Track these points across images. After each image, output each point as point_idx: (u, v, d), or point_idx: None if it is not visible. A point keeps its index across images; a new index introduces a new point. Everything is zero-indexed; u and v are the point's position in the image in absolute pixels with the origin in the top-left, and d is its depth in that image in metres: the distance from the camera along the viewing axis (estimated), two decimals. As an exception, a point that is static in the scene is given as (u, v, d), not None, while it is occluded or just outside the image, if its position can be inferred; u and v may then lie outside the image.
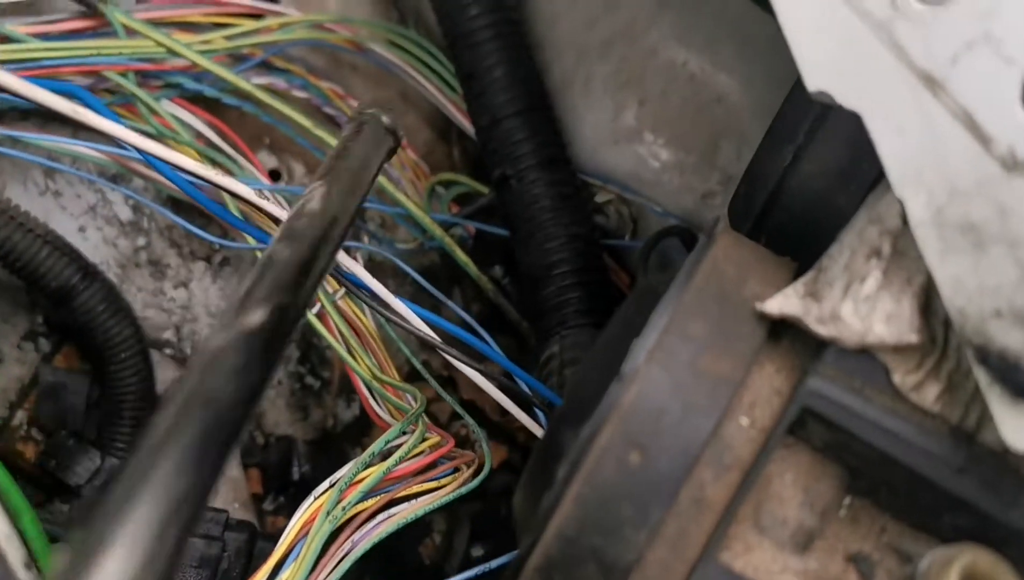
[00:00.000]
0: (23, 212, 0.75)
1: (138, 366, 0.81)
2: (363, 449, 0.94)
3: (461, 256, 0.81)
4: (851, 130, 0.43)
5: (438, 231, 0.79)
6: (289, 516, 0.88)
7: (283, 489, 0.89)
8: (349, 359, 0.71)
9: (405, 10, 0.90)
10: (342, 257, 0.54)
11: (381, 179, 0.81)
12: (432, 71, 0.88)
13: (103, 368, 0.80)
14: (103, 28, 0.77)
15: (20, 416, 0.83)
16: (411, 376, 0.82)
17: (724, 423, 0.35)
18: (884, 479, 0.34)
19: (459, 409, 0.64)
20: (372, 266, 0.85)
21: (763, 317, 0.36)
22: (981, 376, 0.31)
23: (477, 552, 0.90)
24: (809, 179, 0.46)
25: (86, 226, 0.83)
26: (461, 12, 0.79)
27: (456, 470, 0.59)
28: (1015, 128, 0.29)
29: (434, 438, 0.59)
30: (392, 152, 0.49)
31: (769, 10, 0.71)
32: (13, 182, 0.80)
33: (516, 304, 0.88)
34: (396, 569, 0.85)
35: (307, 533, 0.50)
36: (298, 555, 0.49)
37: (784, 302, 0.36)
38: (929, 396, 0.33)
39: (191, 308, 0.87)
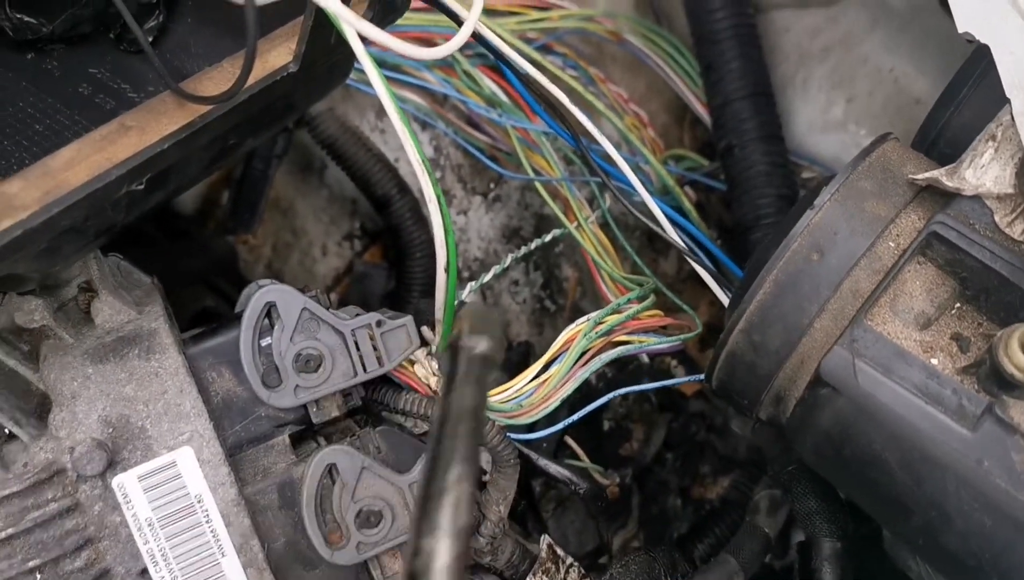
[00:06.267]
0: (368, 137, 1.01)
1: (426, 265, 1.05)
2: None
3: (687, 204, 1.01)
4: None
5: (671, 182, 0.99)
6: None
7: (519, 383, 1.11)
8: (595, 256, 0.92)
9: (660, 12, 1.11)
10: (623, 166, 0.75)
11: (628, 132, 1.03)
12: (677, 63, 1.09)
13: (401, 263, 1.05)
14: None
15: (333, 297, 1.09)
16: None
17: (877, 243, 0.54)
18: (984, 286, 0.51)
19: (670, 293, 0.84)
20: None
21: (913, 184, 0.55)
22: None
23: (669, 456, 1.09)
24: (966, 120, 0.63)
25: (399, 158, 1.09)
26: (709, 15, 0.99)
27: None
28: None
29: (657, 311, 0.79)
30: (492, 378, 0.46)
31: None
32: (353, 117, 1.07)
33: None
34: (602, 458, 1.04)
35: (567, 348, 0.72)
36: (562, 359, 0.70)
37: (929, 175, 0.54)
38: (1018, 230, 0.51)
39: (467, 231, 1.11)
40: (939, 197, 0.54)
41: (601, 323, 0.74)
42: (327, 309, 0.62)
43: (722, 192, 1.04)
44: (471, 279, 1.11)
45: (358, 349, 0.61)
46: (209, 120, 0.51)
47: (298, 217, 1.10)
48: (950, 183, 0.52)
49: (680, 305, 0.85)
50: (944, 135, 0.65)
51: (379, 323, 0.62)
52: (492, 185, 1.11)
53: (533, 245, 0.90)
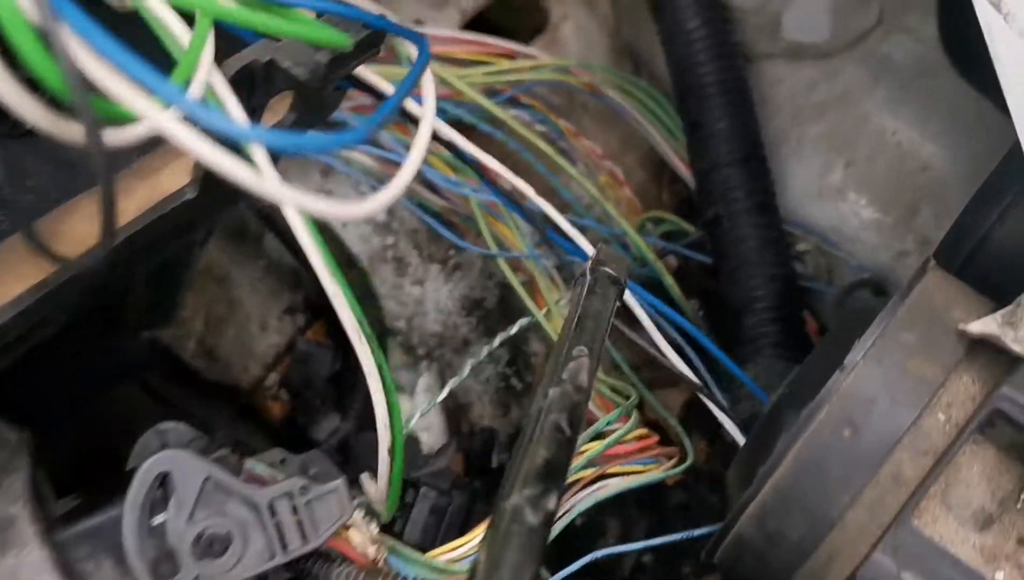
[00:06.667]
0: (307, 203, 0.90)
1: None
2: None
3: (668, 279, 0.90)
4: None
5: (651, 255, 0.89)
6: (485, 499, 1.00)
7: (481, 474, 0.99)
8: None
9: (639, 60, 1.00)
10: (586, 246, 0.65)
11: (603, 201, 0.92)
12: (656, 117, 0.98)
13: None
14: (391, 58, 0.91)
15: (273, 377, 0.98)
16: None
17: (924, 416, 0.43)
18: (1059, 478, 0.41)
19: (659, 407, 0.73)
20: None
21: (964, 335, 0.44)
22: None
23: (648, 559, 0.98)
24: (1012, 235, 0.53)
25: (346, 225, 0.97)
26: (695, 69, 0.88)
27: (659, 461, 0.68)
28: None
29: (643, 430, 0.68)
30: (619, 299, 0.56)
31: (984, 90, 0.78)
32: (294, 179, 0.95)
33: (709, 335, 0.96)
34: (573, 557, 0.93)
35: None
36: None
37: (984, 325, 0.44)
38: (1105, 411, 0.40)
39: (423, 303, 0.99)
40: (997, 352, 0.44)
41: (581, 453, 0.63)
42: (238, 472, 0.50)
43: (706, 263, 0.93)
44: (428, 356, 1.00)
45: (276, 520, 0.50)
46: (76, 271, 0.39)
47: (234, 287, 0.98)
48: (1018, 347, 0.42)
49: (667, 417, 0.74)
50: (985, 249, 0.54)
51: (304, 489, 0.50)
52: (451, 252, 0.99)
53: (496, 342, 0.78)
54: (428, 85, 0.43)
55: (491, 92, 0.96)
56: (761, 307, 0.83)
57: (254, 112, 0.43)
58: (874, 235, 0.90)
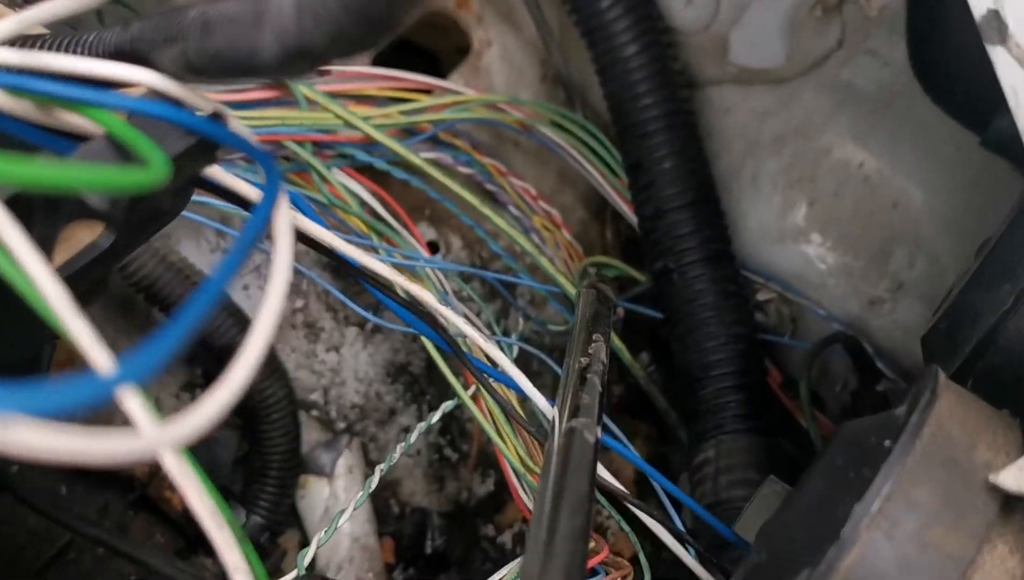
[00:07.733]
0: (198, 271, 0.78)
1: (287, 427, 0.82)
2: (495, 526, 0.95)
3: (616, 341, 0.80)
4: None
5: (595, 318, 0.78)
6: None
7: (414, 560, 0.88)
8: (499, 441, 0.70)
9: (572, 92, 0.90)
10: (503, 362, 0.56)
11: (537, 256, 0.81)
12: (593, 153, 0.88)
13: (255, 426, 0.82)
14: (286, 98, 0.79)
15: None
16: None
17: (952, 604, 0.33)
18: None
19: (615, 514, 0.63)
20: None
21: (996, 489, 0.34)
22: None
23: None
24: (1031, 325, 0.43)
25: (249, 285, 0.86)
26: (634, 102, 0.78)
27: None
28: None
29: (592, 544, 0.58)
30: (612, 314, 0.63)
31: (962, 117, 0.68)
32: (187, 239, 0.83)
33: (662, 392, 0.86)
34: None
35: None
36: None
37: (1022, 477, 0.33)
38: None
39: (340, 372, 0.88)
40: (1036, 506, 0.34)
41: None
42: None
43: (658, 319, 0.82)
44: (348, 431, 0.88)
45: None
46: None
47: (121, 364, 0.86)
48: (1072, 517, 0.32)
49: (620, 522, 0.63)
50: (996, 343, 0.44)
51: None
52: (369, 319, 0.88)
53: (415, 433, 0.67)
54: (284, 234, 0.30)
55: (410, 131, 0.85)
56: (719, 374, 0.73)
57: (43, 243, 0.32)
58: (843, 281, 0.80)
